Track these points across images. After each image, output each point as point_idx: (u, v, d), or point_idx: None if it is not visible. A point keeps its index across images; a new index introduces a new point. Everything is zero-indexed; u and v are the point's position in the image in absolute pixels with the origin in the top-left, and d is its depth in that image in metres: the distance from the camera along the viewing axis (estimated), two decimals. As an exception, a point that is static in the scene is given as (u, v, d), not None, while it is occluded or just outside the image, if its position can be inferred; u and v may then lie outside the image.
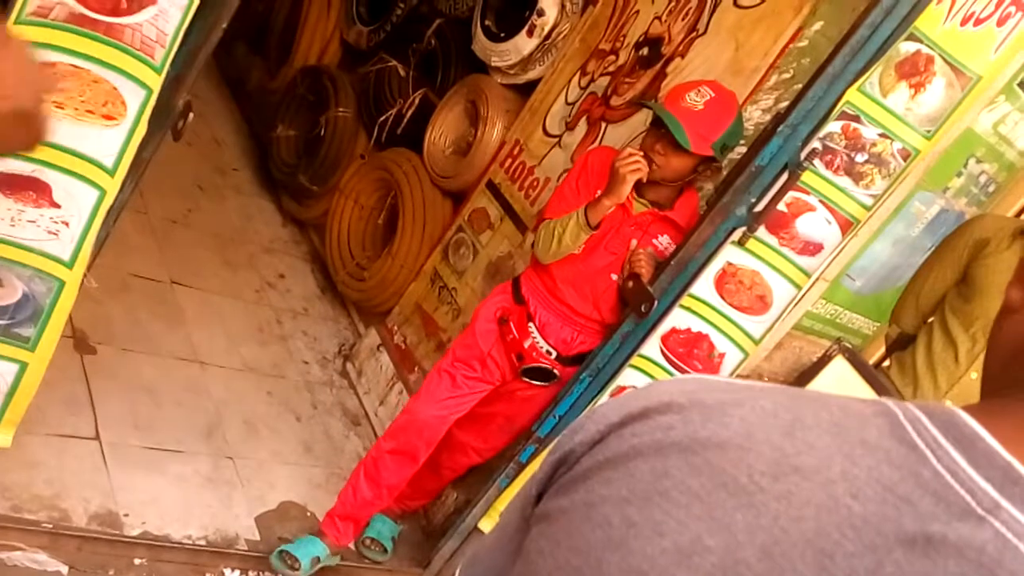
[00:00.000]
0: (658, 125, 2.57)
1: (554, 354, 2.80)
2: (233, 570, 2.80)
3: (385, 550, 3.17)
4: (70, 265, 2.00)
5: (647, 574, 0.55)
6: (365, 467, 2.93)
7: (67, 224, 1.95)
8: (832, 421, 0.57)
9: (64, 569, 2.48)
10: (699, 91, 2.54)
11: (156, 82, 1.85)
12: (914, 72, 2.38)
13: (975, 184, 3.56)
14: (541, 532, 0.64)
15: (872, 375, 2.21)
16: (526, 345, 2.80)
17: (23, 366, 2.11)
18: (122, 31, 1.78)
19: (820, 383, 2.26)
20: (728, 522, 0.54)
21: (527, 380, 2.85)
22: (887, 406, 0.57)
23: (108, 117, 1.84)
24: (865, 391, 2.18)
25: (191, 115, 2.00)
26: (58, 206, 1.92)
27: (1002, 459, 0.51)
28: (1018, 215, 3.68)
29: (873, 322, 3.83)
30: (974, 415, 0.54)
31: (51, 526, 2.54)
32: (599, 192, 2.60)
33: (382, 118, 4.33)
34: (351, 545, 3.07)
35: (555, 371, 2.82)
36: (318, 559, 2.90)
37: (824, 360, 2.28)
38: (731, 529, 0.54)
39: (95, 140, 1.86)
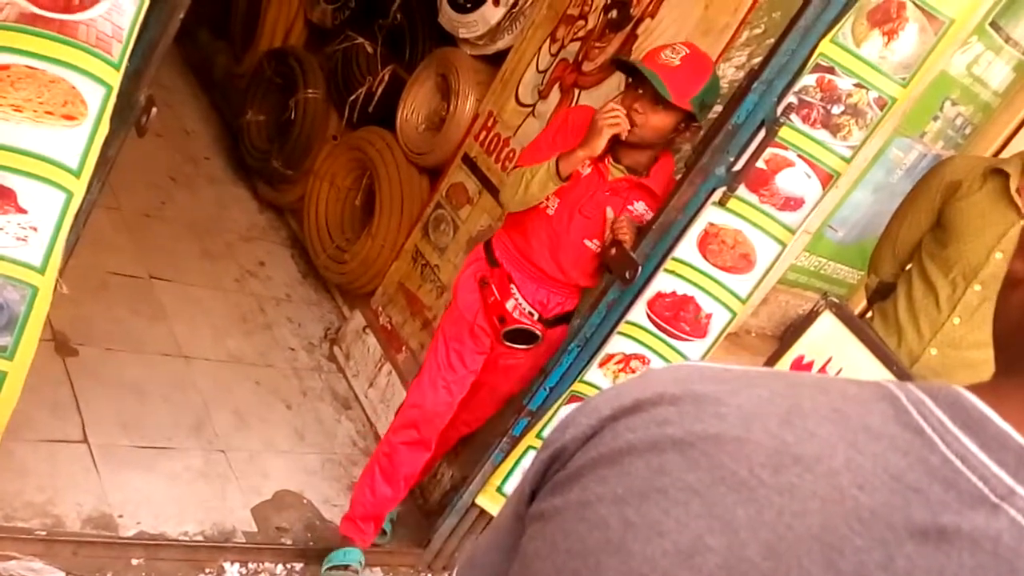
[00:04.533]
0: (635, 86, 2.55)
1: (536, 315, 2.78)
2: (232, 563, 2.79)
3: (384, 532, 3.17)
4: (42, 270, 1.96)
5: None
6: (380, 466, 2.89)
7: (35, 229, 1.90)
8: (831, 407, 0.55)
9: (61, 575, 2.46)
10: (674, 48, 2.53)
11: (115, 78, 1.80)
12: (886, 19, 2.36)
13: (952, 127, 3.55)
14: (537, 532, 0.62)
15: (860, 329, 2.20)
16: (509, 306, 2.77)
17: (2, 376, 2.07)
18: (76, 28, 1.73)
19: (809, 340, 2.25)
20: (730, 519, 0.52)
21: (509, 344, 2.83)
22: (888, 389, 0.55)
23: (68, 117, 1.80)
24: (854, 345, 2.17)
25: (154, 110, 1.95)
26: (25, 211, 1.87)
27: (1014, 442, 0.49)
28: (996, 155, 3.67)
29: (857, 271, 3.83)
30: (981, 396, 0.51)
31: (45, 533, 2.52)
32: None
33: (352, 97, 4.28)
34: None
35: (537, 332, 2.80)
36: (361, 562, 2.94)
37: (812, 316, 2.26)
38: (733, 526, 0.52)
39: (57, 141, 1.82)
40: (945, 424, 0.51)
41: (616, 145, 2.60)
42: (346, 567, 2.89)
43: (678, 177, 2.62)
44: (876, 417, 0.53)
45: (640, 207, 2.67)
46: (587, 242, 2.69)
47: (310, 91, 4.46)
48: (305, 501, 3.16)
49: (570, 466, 0.61)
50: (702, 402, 0.58)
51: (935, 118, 3.48)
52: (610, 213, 2.64)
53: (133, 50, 1.81)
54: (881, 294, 3.05)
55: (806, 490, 0.51)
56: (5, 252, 1.91)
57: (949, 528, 0.48)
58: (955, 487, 0.49)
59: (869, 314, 3.13)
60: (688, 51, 2.52)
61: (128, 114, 1.93)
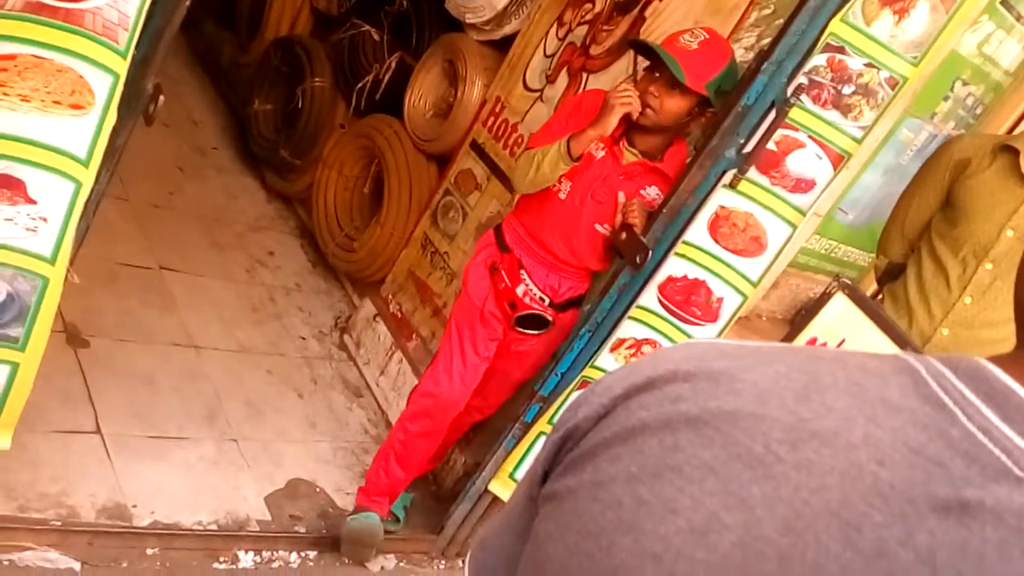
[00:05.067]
0: (651, 69, 2.54)
1: (547, 300, 2.78)
2: (247, 552, 2.79)
3: (398, 519, 3.17)
4: (52, 261, 1.96)
5: (661, 557, 0.52)
6: (396, 453, 2.92)
7: (45, 219, 1.90)
8: (850, 380, 0.54)
9: (76, 565, 2.46)
10: (693, 32, 2.53)
11: (122, 67, 1.79)
12: (896, -3, 2.33)
13: (963, 107, 3.53)
14: (549, 513, 0.61)
15: (874, 310, 2.18)
16: (519, 292, 2.77)
17: (14, 367, 2.07)
18: (82, 16, 1.72)
19: (821, 321, 2.24)
20: (745, 496, 0.51)
21: (521, 330, 2.83)
22: (908, 362, 0.54)
23: (76, 107, 1.79)
24: (867, 326, 2.16)
25: (162, 98, 1.95)
26: (34, 202, 1.87)
27: None
28: (1008, 133, 3.64)
29: (868, 254, 3.81)
30: (1003, 367, 0.50)
31: (60, 523, 2.53)
32: None
33: (359, 85, 4.26)
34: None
35: (549, 317, 2.80)
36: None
37: (824, 298, 2.24)
38: (749, 503, 0.51)
39: (65, 131, 1.82)
40: (966, 396, 0.50)
41: (630, 130, 2.61)
42: (358, 519, 2.94)
43: (691, 157, 2.61)
44: (895, 390, 0.52)
45: (652, 192, 2.66)
46: (598, 227, 2.68)
47: (317, 80, 4.45)
48: (318, 489, 3.17)
49: (583, 445, 0.61)
50: (716, 378, 0.57)
51: (946, 98, 3.46)
52: (621, 197, 2.63)
53: (140, 38, 1.80)
54: (891, 275, 3.03)
55: (824, 466, 0.50)
56: (15, 243, 1.91)
57: (972, 502, 0.47)
58: (978, 461, 0.48)
59: (880, 296, 3.11)
60: (707, 36, 2.52)
61: (136, 103, 1.93)
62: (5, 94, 1.74)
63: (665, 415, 0.56)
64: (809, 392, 0.54)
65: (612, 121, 2.51)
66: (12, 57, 1.71)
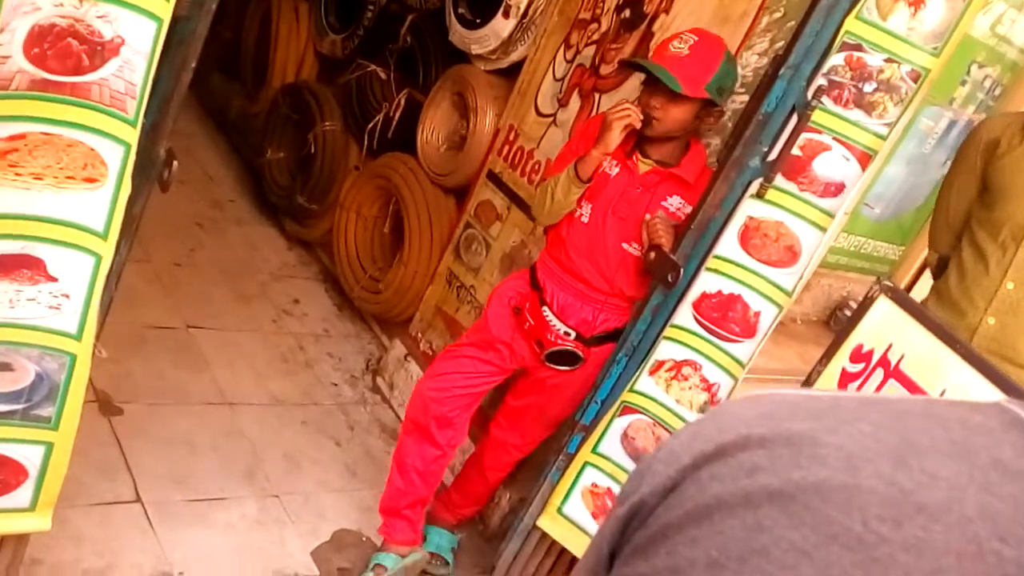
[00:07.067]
0: (650, 83, 2.51)
1: (573, 335, 2.73)
2: (298, 609, 2.75)
3: (447, 563, 3.12)
4: (78, 337, 1.93)
5: None
6: (393, 457, 2.94)
7: (68, 296, 1.87)
8: (951, 440, 0.47)
9: (128, 640, 2.43)
10: (681, 38, 2.52)
11: (132, 136, 1.76)
12: (910, -11, 2.28)
13: (980, 90, 3.46)
14: None
15: (919, 311, 2.11)
16: (544, 332, 2.73)
17: (49, 447, 2.04)
18: (88, 89, 1.69)
19: (866, 327, 2.17)
20: None
21: (552, 366, 2.77)
22: (1015, 413, 0.48)
23: (90, 180, 1.76)
24: (914, 327, 2.09)
25: (176, 163, 1.91)
26: (55, 279, 1.84)
27: None
28: (1031, 113, 3.57)
29: (898, 247, 3.74)
30: None
31: (108, 598, 2.49)
32: None
33: (370, 125, 4.25)
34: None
35: (579, 353, 2.74)
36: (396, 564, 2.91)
37: (867, 303, 2.17)
38: None
39: (81, 205, 1.79)
40: None
41: (642, 142, 2.59)
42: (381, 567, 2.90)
43: (713, 168, 2.56)
44: (1008, 450, 0.46)
45: (675, 202, 2.61)
46: (626, 246, 2.63)
47: (327, 124, 4.44)
48: (364, 539, 3.12)
49: (652, 524, 0.54)
50: (796, 443, 0.50)
51: (963, 83, 3.39)
52: (648, 217, 2.59)
53: (148, 105, 1.77)
54: (943, 269, 2.98)
55: (937, 545, 0.44)
56: (39, 322, 1.88)
57: None
58: None
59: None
60: (696, 38, 2.49)
61: (150, 170, 1.90)
62: (18, 174, 1.71)
63: (743, 490, 0.50)
64: (906, 457, 0.47)
65: (613, 136, 2.51)
66: (22, 136, 1.69)
